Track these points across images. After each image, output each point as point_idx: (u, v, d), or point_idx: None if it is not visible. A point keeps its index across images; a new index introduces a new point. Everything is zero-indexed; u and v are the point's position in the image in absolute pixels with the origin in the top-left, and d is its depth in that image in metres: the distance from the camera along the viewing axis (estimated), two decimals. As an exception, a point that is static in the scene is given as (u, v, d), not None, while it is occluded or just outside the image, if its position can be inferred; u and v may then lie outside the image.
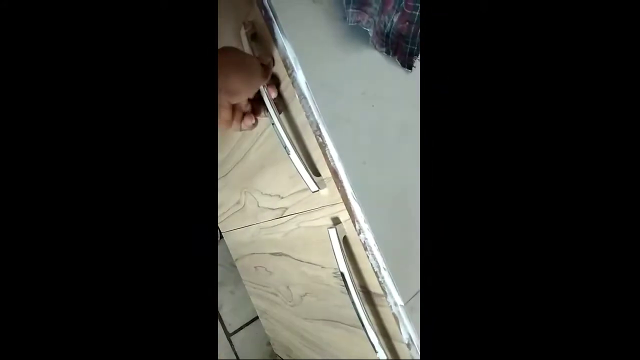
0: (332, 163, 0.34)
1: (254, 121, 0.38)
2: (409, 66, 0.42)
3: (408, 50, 0.42)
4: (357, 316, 0.37)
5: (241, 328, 0.98)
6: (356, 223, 0.34)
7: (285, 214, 0.50)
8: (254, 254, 0.75)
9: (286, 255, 0.57)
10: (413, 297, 0.34)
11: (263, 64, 0.35)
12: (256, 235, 0.67)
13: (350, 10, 0.35)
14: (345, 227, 0.37)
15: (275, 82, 0.38)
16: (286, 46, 0.33)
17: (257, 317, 0.98)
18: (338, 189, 0.34)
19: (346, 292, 0.37)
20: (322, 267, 0.46)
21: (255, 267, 0.78)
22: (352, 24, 0.36)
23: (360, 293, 0.38)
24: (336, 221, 0.38)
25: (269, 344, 0.99)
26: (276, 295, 0.72)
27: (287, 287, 0.63)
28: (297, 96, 0.34)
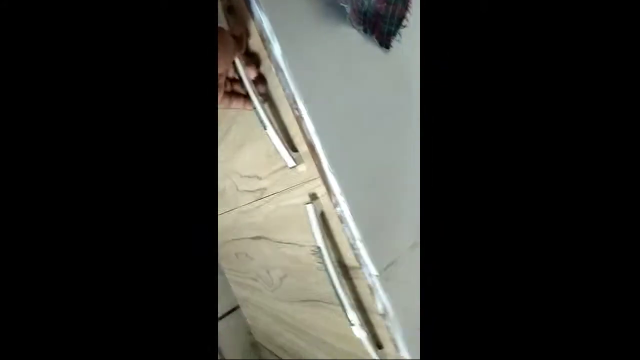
0: (308, 136, 0.34)
1: (242, 103, 0.38)
2: (386, 46, 0.42)
3: (386, 29, 0.43)
4: (333, 291, 0.38)
5: (221, 318, 0.97)
6: (332, 196, 0.35)
7: (265, 195, 0.50)
8: (234, 239, 0.74)
9: (266, 238, 0.57)
10: (387, 267, 0.35)
11: (235, 35, 0.35)
12: (238, 221, 0.67)
13: (328, -14, 0.36)
14: (322, 202, 0.38)
15: (255, 62, 0.38)
16: (262, 19, 0.33)
17: (237, 307, 0.98)
18: (315, 162, 0.35)
19: (323, 268, 0.38)
20: (301, 246, 0.47)
21: (235, 253, 0.78)
22: (329, 1, 0.36)
23: (338, 268, 0.39)
24: (314, 197, 0.39)
25: (249, 332, 0.99)
26: (256, 280, 0.72)
27: (267, 271, 0.64)
28: (273, 69, 0.34)
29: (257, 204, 0.54)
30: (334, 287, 0.38)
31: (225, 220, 0.73)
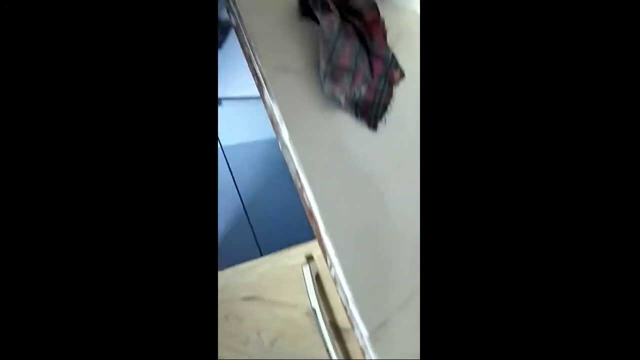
0: (308, 204, 0.39)
1: None
2: (374, 127, 0.50)
3: (373, 114, 0.51)
4: (327, 355, 0.39)
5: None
6: (327, 258, 0.38)
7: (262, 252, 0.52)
8: (225, 301, 0.74)
9: (259, 298, 0.58)
10: (378, 328, 0.37)
11: None
12: (231, 281, 0.68)
13: (327, 83, 0.44)
14: (318, 263, 0.41)
15: None
16: (273, 106, 0.40)
17: (221, 375, 0.91)
18: (312, 227, 0.39)
19: (317, 330, 0.39)
20: (295, 307, 0.48)
21: (225, 315, 0.76)
22: (328, 94, 0.44)
23: (330, 330, 0.40)
24: (310, 258, 0.42)
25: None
26: (246, 344, 0.70)
27: (258, 333, 0.63)
28: (280, 147, 0.40)
29: (254, 262, 0.56)
30: (327, 351, 0.39)
31: (219, 280, 0.73)
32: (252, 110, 0.91)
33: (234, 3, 0.42)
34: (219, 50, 0.60)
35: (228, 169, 0.89)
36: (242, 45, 0.42)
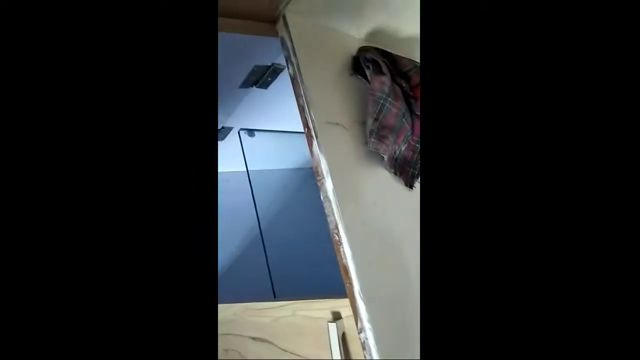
0: (344, 260, 0.39)
1: None
2: (410, 186, 0.51)
3: (411, 173, 0.52)
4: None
5: None
6: (359, 321, 0.37)
7: (281, 298, 0.51)
8: (229, 334, 0.71)
9: (269, 342, 0.56)
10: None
11: None
12: (239, 316, 0.66)
13: (372, 139, 0.45)
14: (345, 323, 0.40)
15: None
16: (320, 159, 0.41)
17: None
18: (346, 285, 0.38)
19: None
20: (310, 361, 0.46)
21: (225, 349, 0.73)
22: (372, 150, 0.45)
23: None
24: (337, 316, 0.41)
25: None
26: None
27: (261, 379, 0.60)
28: (322, 199, 0.41)
29: (269, 304, 0.55)
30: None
31: (226, 311, 0.71)
32: (278, 142, 0.96)
33: (295, 55, 0.44)
34: (265, 90, 0.62)
35: (250, 191, 0.92)
36: (297, 96, 0.44)
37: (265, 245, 0.86)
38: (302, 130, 0.44)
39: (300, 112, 0.43)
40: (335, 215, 0.39)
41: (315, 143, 0.42)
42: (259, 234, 0.90)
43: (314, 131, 0.42)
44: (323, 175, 0.41)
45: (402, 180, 0.49)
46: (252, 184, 0.93)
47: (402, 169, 0.50)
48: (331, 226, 0.40)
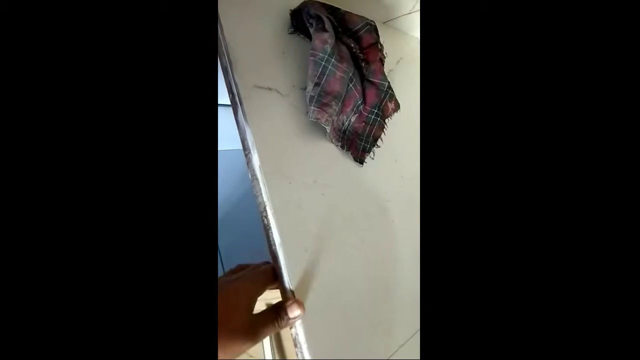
0: (272, 247, 0.33)
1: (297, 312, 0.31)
2: (360, 161, 0.45)
3: (361, 147, 0.46)
4: None
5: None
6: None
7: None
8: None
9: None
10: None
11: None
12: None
13: (312, 108, 0.39)
14: (278, 316, 0.35)
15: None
16: (246, 130, 0.35)
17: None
18: (277, 274, 0.33)
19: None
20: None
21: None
22: (312, 120, 0.39)
23: (285, 395, 0.34)
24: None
25: None
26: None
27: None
28: (249, 177, 0.35)
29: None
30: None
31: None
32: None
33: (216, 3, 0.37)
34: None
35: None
36: (220, 56, 0.37)
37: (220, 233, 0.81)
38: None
39: (224, 76, 0.37)
40: (264, 195, 0.34)
41: (239, 111, 0.35)
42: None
43: (239, 97, 0.35)
44: (249, 149, 0.35)
45: (350, 155, 0.44)
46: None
47: (351, 142, 0.45)
48: (260, 208, 0.34)
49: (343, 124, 0.44)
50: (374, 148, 0.47)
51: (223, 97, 0.35)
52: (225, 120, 0.42)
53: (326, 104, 0.40)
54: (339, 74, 0.41)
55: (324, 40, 0.40)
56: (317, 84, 0.40)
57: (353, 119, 0.45)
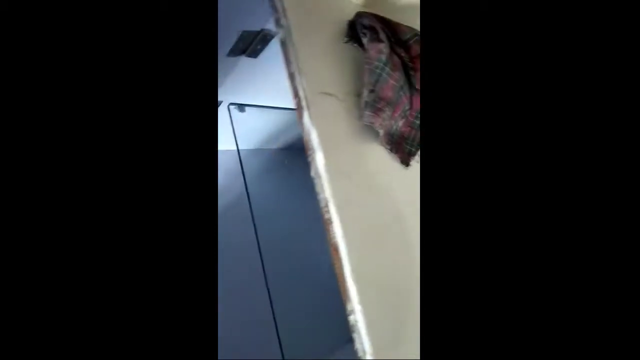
0: (334, 239, 0.36)
1: None
2: (406, 164, 0.48)
3: (407, 150, 0.49)
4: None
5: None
6: (348, 303, 0.35)
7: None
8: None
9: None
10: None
11: None
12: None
13: (367, 112, 0.42)
14: (334, 304, 0.38)
15: None
16: (311, 132, 0.38)
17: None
18: (335, 265, 0.36)
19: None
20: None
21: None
22: (367, 124, 0.42)
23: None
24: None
25: None
26: None
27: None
28: (313, 176, 0.38)
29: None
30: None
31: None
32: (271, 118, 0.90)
33: (285, 16, 0.40)
34: (255, 59, 0.58)
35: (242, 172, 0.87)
36: (287, 62, 0.40)
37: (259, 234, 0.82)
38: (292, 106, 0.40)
39: (290, 81, 0.40)
40: (326, 192, 0.37)
41: (306, 114, 0.39)
42: (251, 220, 0.86)
43: (305, 101, 0.38)
44: (314, 149, 0.38)
45: (397, 157, 0.47)
46: (242, 164, 0.89)
47: (398, 146, 0.47)
48: (322, 204, 0.37)
49: (392, 128, 0.47)
50: (419, 151, 0.49)
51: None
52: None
53: (380, 109, 0.43)
54: (392, 82, 0.44)
55: (380, 50, 0.43)
56: (372, 91, 0.43)
57: (400, 124, 0.48)
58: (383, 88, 0.43)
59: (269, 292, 0.75)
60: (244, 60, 0.58)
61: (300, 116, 0.39)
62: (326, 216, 0.37)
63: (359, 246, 0.36)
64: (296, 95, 0.39)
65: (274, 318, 0.73)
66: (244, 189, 0.86)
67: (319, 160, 0.37)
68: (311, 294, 0.86)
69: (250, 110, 0.79)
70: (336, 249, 0.36)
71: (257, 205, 0.86)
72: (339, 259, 0.36)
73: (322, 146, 0.37)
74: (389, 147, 0.46)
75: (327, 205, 0.37)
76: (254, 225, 0.83)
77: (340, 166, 0.38)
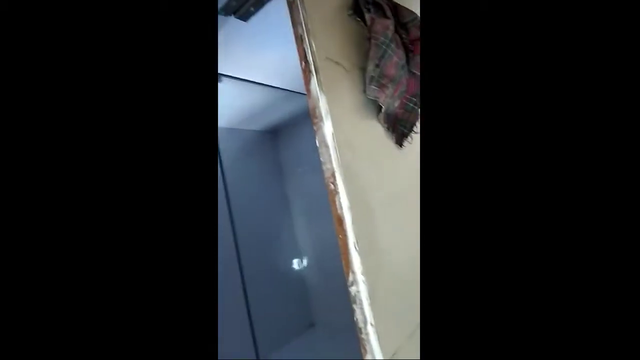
0: (339, 210, 0.35)
1: None
2: (400, 144, 0.49)
3: (400, 131, 0.50)
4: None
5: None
6: (351, 274, 0.35)
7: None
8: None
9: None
10: (392, 356, 0.34)
11: None
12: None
13: (372, 86, 0.42)
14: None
15: None
16: (320, 99, 0.36)
17: None
18: (339, 237, 0.36)
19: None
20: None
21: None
22: (372, 98, 0.41)
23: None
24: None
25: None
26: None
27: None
28: (317, 144, 0.37)
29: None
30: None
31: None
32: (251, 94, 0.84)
33: (294, -24, 0.38)
34: (244, 22, 0.53)
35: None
36: (295, 24, 0.38)
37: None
38: (277, 85, 0.38)
39: (297, 44, 0.38)
40: (333, 162, 0.36)
41: (313, 80, 0.37)
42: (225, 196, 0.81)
43: (314, 65, 0.36)
44: (321, 117, 0.36)
45: (393, 137, 0.47)
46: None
47: (393, 126, 0.48)
48: (327, 174, 0.36)
49: (389, 107, 0.47)
50: (412, 134, 0.51)
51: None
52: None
53: (384, 85, 0.43)
54: (396, 59, 0.44)
55: (386, 26, 0.43)
56: (377, 65, 0.42)
57: (396, 105, 0.49)
58: (387, 65, 0.43)
59: (241, 272, 0.71)
60: (232, 22, 0.53)
61: (308, 82, 0.37)
62: (331, 187, 0.36)
63: (362, 217, 0.36)
64: (304, 58, 0.37)
65: (246, 297, 0.70)
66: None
67: (327, 129, 0.36)
68: (281, 279, 0.86)
69: (228, 81, 0.73)
70: (340, 221, 0.35)
71: (232, 188, 0.82)
72: (343, 231, 0.35)
73: (332, 114, 0.36)
74: (386, 126, 0.46)
75: (332, 176, 0.36)
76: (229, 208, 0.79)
77: (347, 138, 0.37)
